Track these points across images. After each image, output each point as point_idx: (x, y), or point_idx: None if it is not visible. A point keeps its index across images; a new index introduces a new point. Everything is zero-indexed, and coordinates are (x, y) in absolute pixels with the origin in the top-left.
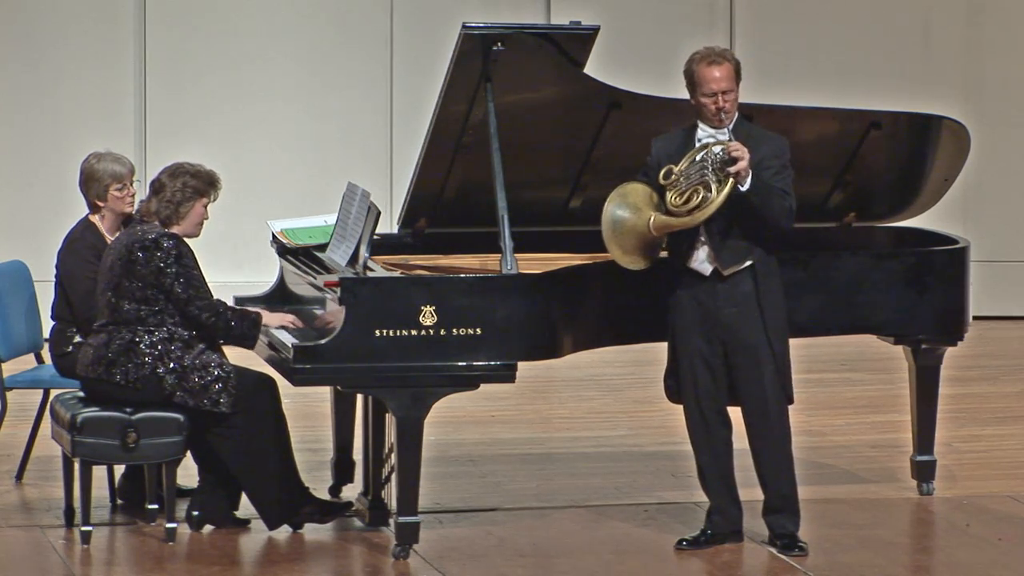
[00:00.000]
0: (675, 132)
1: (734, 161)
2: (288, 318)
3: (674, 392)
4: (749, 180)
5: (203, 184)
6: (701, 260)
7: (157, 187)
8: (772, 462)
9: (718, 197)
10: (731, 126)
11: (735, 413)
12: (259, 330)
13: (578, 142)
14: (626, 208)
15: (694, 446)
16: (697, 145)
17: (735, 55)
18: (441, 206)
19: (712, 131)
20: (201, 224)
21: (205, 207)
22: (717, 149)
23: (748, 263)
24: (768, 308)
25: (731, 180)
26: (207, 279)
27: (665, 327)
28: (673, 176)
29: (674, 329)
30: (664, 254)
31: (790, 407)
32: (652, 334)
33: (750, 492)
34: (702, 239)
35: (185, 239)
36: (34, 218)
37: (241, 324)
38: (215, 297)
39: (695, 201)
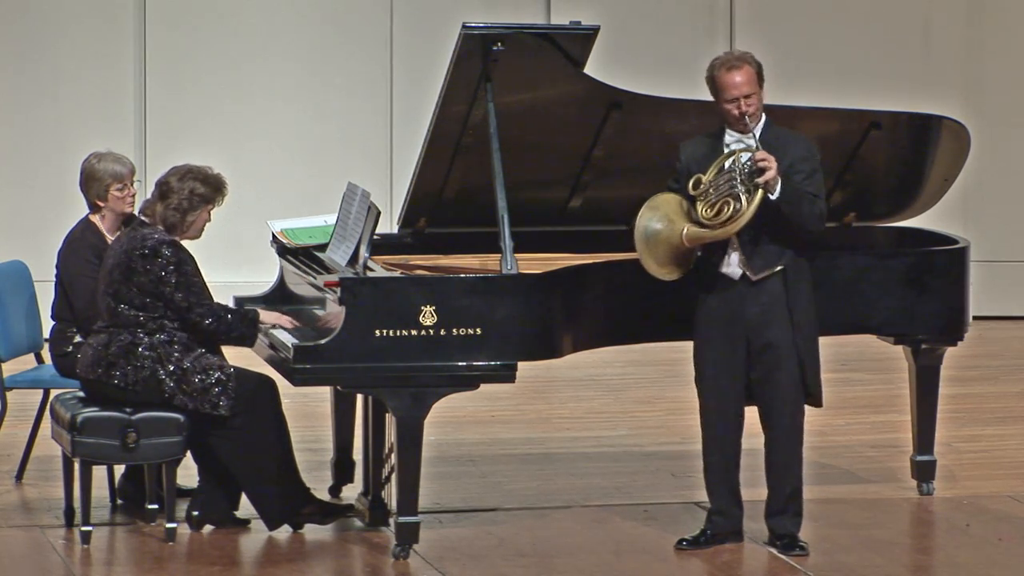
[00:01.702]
0: (702, 136)
1: (762, 171)
2: (284, 318)
3: None
4: (779, 188)
5: (211, 191)
6: (732, 265)
7: (164, 191)
8: (783, 463)
9: (748, 209)
10: (758, 130)
11: (748, 412)
12: (257, 328)
13: (578, 142)
14: (658, 220)
15: (705, 444)
16: (724, 152)
17: (755, 57)
18: (441, 206)
19: (739, 135)
20: (204, 228)
21: (210, 213)
22: (745, 158)
23: (779, 268)
24: (798, 310)
25: (760, 190)
26: (207, 280)
27: (664, 328)
28: (702, 187)
29: (697, 328)
30: None
31: (817, 410)
32: (652, 334)
33: (752, 492)
34: (733, 245)
35: (184, 244)
36: (34, 218)
37: (240, 325)
38: (214, 300)
39: (726, 213)
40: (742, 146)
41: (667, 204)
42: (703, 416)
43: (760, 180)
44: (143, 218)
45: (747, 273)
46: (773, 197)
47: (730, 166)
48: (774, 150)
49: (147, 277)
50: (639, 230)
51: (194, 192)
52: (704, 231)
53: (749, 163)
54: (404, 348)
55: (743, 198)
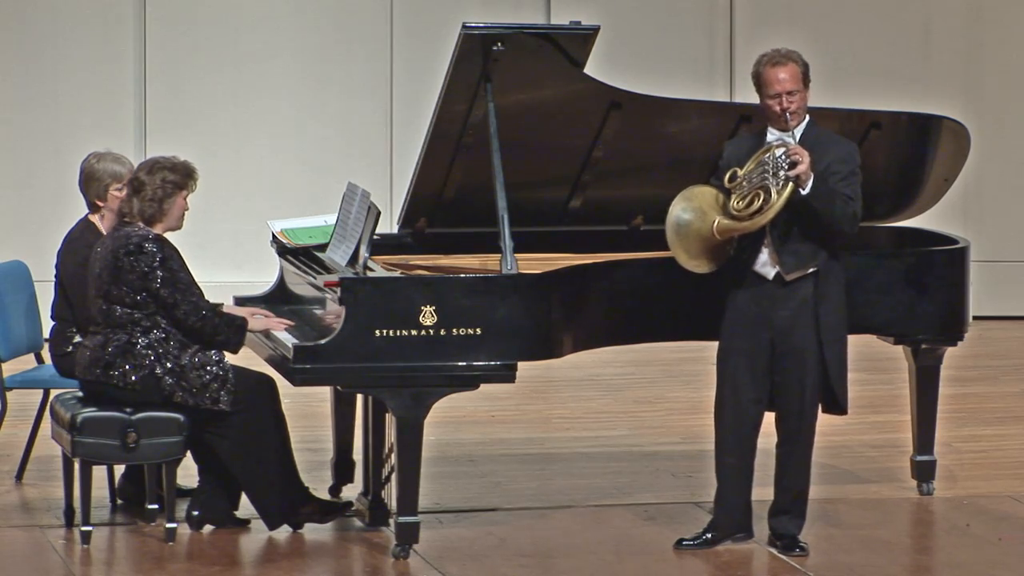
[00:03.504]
0: (747, 135)
1: (794, 164)
2: (273, 322)
3: None
4: (810, 184)
5: (182, 177)
6: (764, 263)
7: (137, 186)
8: (794, 467)
9: (778, 201)
10: (800, 129)
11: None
12: (244, 336)
13: (578, 142)
14: (690, 211)
15: (723, 446)
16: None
17: (802, 57)
18: (441, 206)
19: (780, 133)
20: (183, 216)
21: (185, 199)
22: (779, 152)
23: (811, 269)
24: (824, 315)
25: (791, 184)
26: (207, 279)
27: (664, 328)
28: (737, 179)
29: (724, 327)
30: None
31: (840, 416)
32: (652, 334)
33: (757, 492)
34: (766, 243)
35: (168, 237)
36: (34, 218)
37: (226, 330)
38: (206, 299)
39: (756, 205)
40: (779, 141)
41: (702, 196)
42: (724, 417)
43: (791, 173)
44: (124, 218)
45: (780, 272)
46: (803, 192)
47: (764, 160)
48: (814, 150)
49: (135, 274)
50: (670, 220)
51: (166, 180)
52: (735, 223)
53: (783, 157)
54: (404, 348)
55: (773, 191)
